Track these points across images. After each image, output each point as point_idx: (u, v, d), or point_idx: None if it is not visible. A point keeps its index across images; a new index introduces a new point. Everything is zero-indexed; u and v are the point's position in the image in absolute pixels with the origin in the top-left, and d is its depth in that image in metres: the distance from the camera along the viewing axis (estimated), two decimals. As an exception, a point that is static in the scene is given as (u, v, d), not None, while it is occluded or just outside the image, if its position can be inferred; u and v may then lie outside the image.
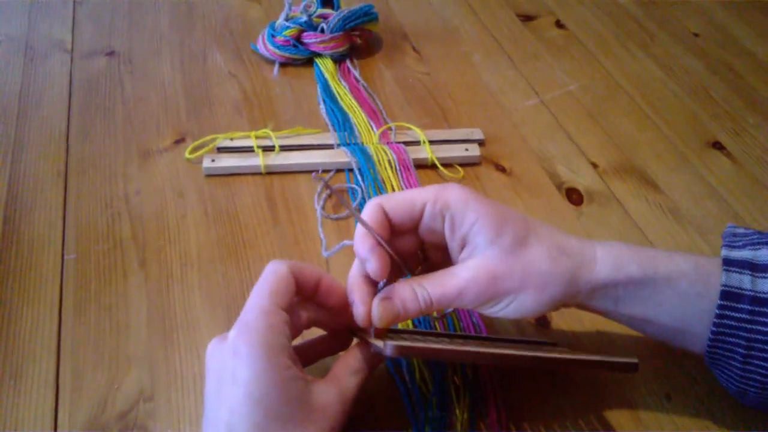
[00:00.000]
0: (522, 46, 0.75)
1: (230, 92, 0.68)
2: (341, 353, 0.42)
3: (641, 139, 0.64)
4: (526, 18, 0.79)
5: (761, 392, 0.38)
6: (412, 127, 0.63)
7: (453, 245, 0.39)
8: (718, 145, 0.64)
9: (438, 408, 0.43)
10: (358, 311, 0.38)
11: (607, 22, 0.79)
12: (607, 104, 0.68)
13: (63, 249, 0.53)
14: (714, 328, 0.38)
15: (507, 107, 0.67)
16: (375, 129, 0.63)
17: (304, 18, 0.70)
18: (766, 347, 0.37)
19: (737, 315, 0.37)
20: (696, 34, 0.77)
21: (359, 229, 0.38)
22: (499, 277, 0.37)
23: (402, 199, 0.39)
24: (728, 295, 0.37)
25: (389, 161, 0.60)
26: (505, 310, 0.38)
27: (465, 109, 0.67)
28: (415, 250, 0.42)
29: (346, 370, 0.38)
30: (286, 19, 0.70)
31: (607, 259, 0.39)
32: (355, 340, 0.42)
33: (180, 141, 0.62)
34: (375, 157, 0.60)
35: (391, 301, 0.38)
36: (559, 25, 0.78)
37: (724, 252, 0.39)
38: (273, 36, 0.71)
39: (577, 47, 0.75)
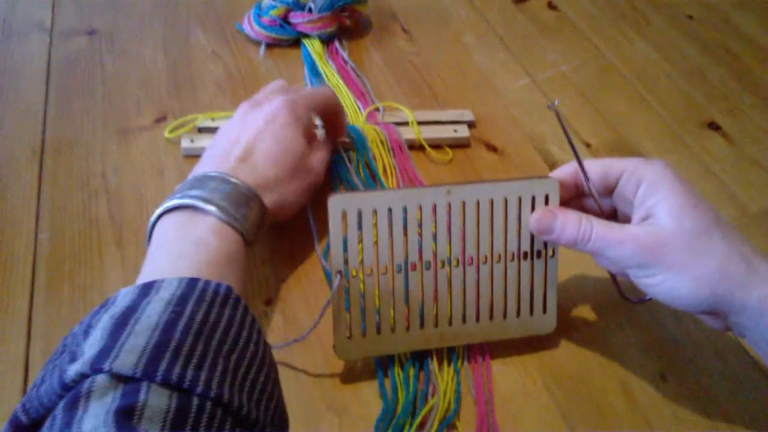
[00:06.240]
0: (514, 27, 0.74)
1: (214, 71, 0.66)
2: None
3: (635, 119, 0.63)
4: None
5: None
6: (400, 107, 0.61)
7: (637, 213, 0.40)
8: (713, 126, 0.62)
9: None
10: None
11: (600, 3, 0.77)
12: (600, 85, 0.66)
13: (36, 227, 0.51)
14: None
15: (498, 88, 0.66)
16: (362, 110, 0.62)
17: (291, -4, 0.68)
18: None
19: None
20: (690, 17, 0.76)
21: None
22: (665, 247, 0.37)
23: (601, 164, 0.42)
24: None
25: (381, 141, 0.58)
26: (658, 287, 0.38)
27: (456, 89, 0.65)
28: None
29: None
30: (272, -2, 0.68)
31: None
32: None
33: (161, 119, 0.60)
34: (365, 134, 0.58)
35: (554, 215, 0.41)
36: (551, 6, 0.77)
37: None
38: (259, 16, 0.69)
39: (569, 29, 0.74)
